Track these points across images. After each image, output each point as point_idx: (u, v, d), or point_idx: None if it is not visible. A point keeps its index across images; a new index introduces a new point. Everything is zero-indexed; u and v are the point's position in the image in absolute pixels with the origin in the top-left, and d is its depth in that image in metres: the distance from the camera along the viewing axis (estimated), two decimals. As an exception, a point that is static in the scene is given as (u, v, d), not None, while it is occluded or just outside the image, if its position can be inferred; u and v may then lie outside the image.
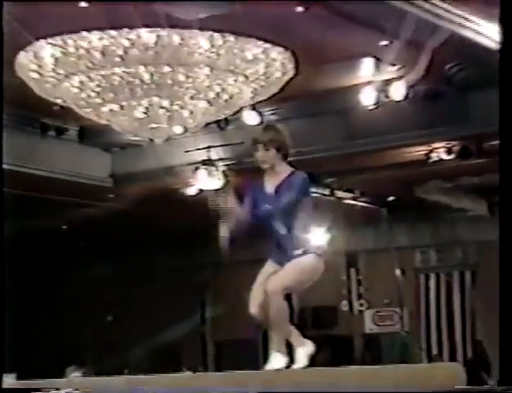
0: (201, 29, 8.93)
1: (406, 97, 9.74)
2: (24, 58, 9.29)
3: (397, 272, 15.58)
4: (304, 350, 4.80)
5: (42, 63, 9.29)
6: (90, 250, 17.04)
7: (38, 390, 3.05)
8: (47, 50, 9.10)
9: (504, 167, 3.92)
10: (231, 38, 9.09)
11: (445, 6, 7.99)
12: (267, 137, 4.62)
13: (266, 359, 16.87)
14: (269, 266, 4.75)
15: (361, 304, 16.90)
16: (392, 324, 16.50)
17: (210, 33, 9.00)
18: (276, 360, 4.65)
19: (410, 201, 14.30)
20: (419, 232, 15.98)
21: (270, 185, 4.65)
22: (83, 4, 8.08)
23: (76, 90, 9.78)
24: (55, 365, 10.26)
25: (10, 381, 9.88)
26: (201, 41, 9.05)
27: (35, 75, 9.56)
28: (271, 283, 4.60)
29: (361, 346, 16.97)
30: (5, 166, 11.20)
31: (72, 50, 9.06)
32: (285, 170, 4.66)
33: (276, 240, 4.69)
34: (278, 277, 4.62)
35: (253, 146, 4.65)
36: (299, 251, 4.60)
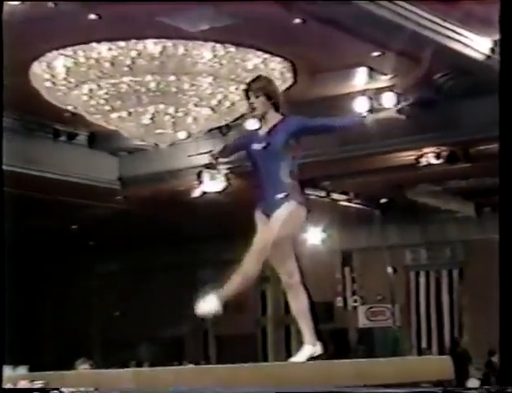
0: (204, 40, 8.95)
1: (397, 105, 9.77)
2: (37, 68, 9.32)
3: (389, 269, 15.62)
4: (310, 350, 4.62)
5: (54, 72, 9.32)
6: (99, 249, 17.05)
7: (39, 390, 3.04)
8: (59, 60, 9.12)
9: (503, 169, 3.93)
10: (233, 48, 9.11)
11: (435, 19, 8.04)
12: (258, 85, 4.54)
13: (265, 353, 16.82)
14: (259, 223, 4.59)
15: (355, 301, 16.92)
16: (385, 319, 16.53)
17: (213, 44, 9.02)
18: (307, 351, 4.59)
19: (401, 202, 14.32)
20: (410, 232, 16.00)
21: (263, 130, 4.56)
22: (92, 16, 8.10)
23: (86, 98, 9.81)
24: (65, 357, 10.25)
25: (21, 372, 9.90)
26: (204, 51, 9.07)
27: (48, 84, 9.59)
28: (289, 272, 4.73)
29: (356, 340, 16.99)
30: (18, 170, 11.29)
31: (82, 60, 9.09)
32: (276, 117, 4.57)
33: (262, 185, 4.57)
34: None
35: (245, 96, 4.57)
36: (282, 195, 4.45)
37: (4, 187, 11.81)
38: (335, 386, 4.03)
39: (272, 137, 4.51)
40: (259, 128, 4.54)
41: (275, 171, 4.52)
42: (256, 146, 4.54)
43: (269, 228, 4.49)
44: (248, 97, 4.54)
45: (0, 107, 4.77)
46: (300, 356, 4.58)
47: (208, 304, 4.40)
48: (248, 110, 4.60)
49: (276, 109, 4.57)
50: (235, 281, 4.47)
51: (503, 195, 3.92)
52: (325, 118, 4.84)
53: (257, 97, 4.49)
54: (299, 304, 4.81)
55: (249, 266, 4.50)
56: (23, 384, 3.15)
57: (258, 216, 4.62)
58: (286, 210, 4.45)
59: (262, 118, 4.55)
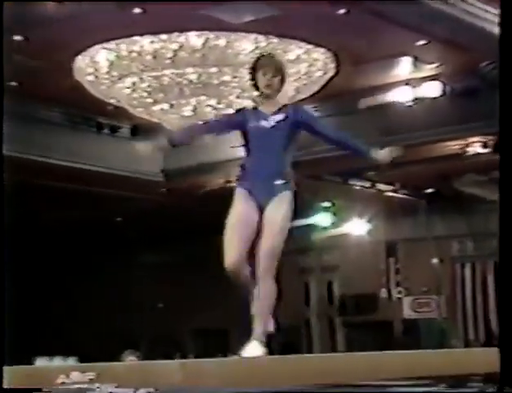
0: (246, 31, 8.98)
1: (443, 94, 9.71)
2: (81, 62, 9.45)
3: (435, 260, 15.52)
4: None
5: (97, 66, 9.45)
6: (143, 241, 17.23)
7: (39, 390, 3.09)
8: (102, 54, 9.24)
9: (504, 164, 3.89)
10: (275, 39, 9.13)
11: (481, 6, 7.95)
12: (276, 65, 4.41)
13: (309, 345, 16.80)
14: (241, 200, 4.30)
15: (400, 292, 16.85)
16: (430, 310, 16.44)
17: (255, 35, 9.05)
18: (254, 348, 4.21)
19: (447, 193, 14.22)
20: (455, 222, 15.87)
21: (266, 110, 4.38)
22: (136, 10, 8.19)
23: (129, 91, 9.93)
24: (111, 349, 10.41)
25: (70, 363, 10.09)
26: (246, 43, 9.10)
27: (91, 78, 9.73)
28: (264, 262, 4.24)
29: (400, 332, 16.93)
30: (63, 163, 11.48)
31: (125, 53, 9.19)
32: (281, 100, 4.46)
33: (257, 166, 4.32)
34: (268, 251, 4.25)
35: (262, 70, 4.36)
36: (282, 182, 4.29)
37: (50, 180, 12.02)
38: (382, 379, 4.02)
39: (283, 118, 4.35)
40: (256, 108, 4.39)
41: (280, 154, 4.35)
42: (264, 124, 4.35)
43: (272, 221, 4.27)
44: (264, 73, 4.36)
45: (0, 106, 4.84)
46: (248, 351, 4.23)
47: (253, 350, 4.18)
48: (263, 86, 4.36)
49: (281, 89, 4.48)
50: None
51: (503, 194, 3.89)
52: (331, 129, 4.57)
53: (274, 76, 4.37)
54: (262, 301, 4.38)
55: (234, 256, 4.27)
56: (75, 375, 3.23)
57: (242, 193, 4.32)
58: (287, 202, 4.32)
59: (266, 97, 4.40)
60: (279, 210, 4.31)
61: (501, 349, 3.83)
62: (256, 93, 4.46)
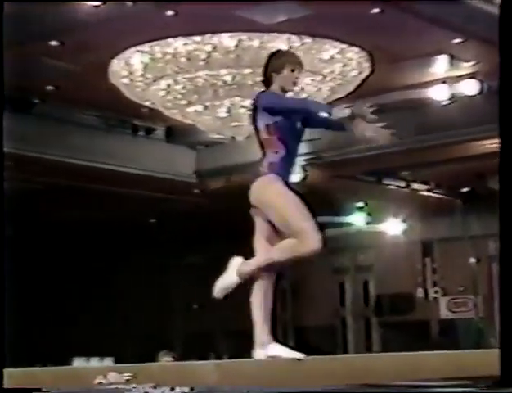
0: (279, 32, 8.98)
1: (480, 92, 9.61)
2: (116, 65, 9.53)
3: (472, 260, 15.39)
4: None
5: (132, 69, 9.51)
6: (177, 242, 17.31)
7: (39, 390, 3.11)
8: (136, 57, 9.30)
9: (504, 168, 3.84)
10: (309, 39, 9.11)
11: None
12: (302, 61, 4.43)
13: (345, 345, 16.74)
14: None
15: (436, 292, 16.73)
16: (467, 310, 16.29)
17: (288, 35, 9.04)
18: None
19: (483, 192, 14.09)
20: (492, 221, 15.66)
21: None
22: (169, 13, 8.23)
23: (163, 93, 9.98)
24: (147, 350, 10.48)
25: (107, 363, 10.18)
26: (280, 43, 9.09)
27: (126, 81, 9.80)
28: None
29: (437, 332, 16.81)
30: (99, 165, 11.59)
31: (159, 56, 9.24)
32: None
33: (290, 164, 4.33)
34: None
35: (291, 66, 4.30)
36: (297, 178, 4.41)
37: (85, 182, 12.12)
38: (412, 379, 4.00)
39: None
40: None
41: (297, 151, 4.40)
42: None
43: None
44: (292, 70, 4.31)
45: (1, 104, 4.86)
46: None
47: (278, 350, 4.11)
48: (290, 84, 4.33)
49: None
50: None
51: (503, 195, 3.84)
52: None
53: (299, 72, 4.36)
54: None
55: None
56: (112, 376, 3.26)
57: (279, 179, 4.30)
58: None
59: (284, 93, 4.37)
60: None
61: (502, 348, 3.78)
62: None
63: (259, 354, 4.17)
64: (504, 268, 3.76)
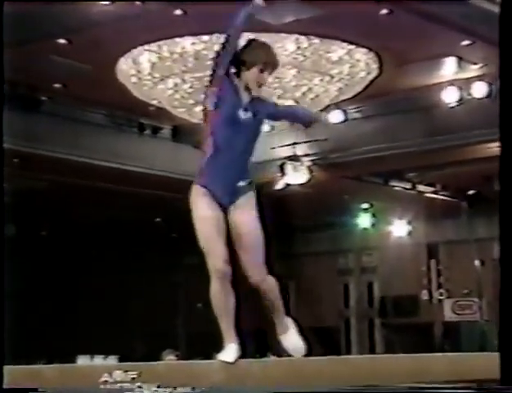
0: (287, 32, 8.98)
1: (488, 95, 9.59)
2: (124, 64, 9.55)
3: (477, 263, 15.36)
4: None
5: (140, 68, 9.53)
6: (182, 241, 17.31)
7: (36, 390, 3.11)
8: (144, 56, 9.32)
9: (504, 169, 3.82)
10: (317, 40, 9.11)
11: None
12: (276, 62, 3.84)
13: (348, 346, 16.68)
14: (204, 201, 3.86)
15: (441, 294, 16.71)
16: (472, 313, 16.26)
17: (296, 36, 9.04)
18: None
19: (489, 194, 14.06)
20: (497, 224, 15.67)
21: (244, 97, 3.76)
22: (178, 12, 8.24)
23: (171, 92, 9.99)
24: (151, 348, 10.50)
25: (112, 361, 10.18)
26: (288, 44, 9.10)
27: (134, 79, 9.82)
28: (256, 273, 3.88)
29: (441, 334, 16.78)
30: (105, 164, 11.60)
31: (167, 55, 9.26)
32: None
33: (220, 163, 3.78)
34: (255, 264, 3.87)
35: (261, 65, 3.74)
36: (246, 182, 3.79)
37: (92, 180, 12.12)
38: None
39: (257, 108, 3.77)
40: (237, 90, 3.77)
41: (247, 151, 3.79)
42: (243, 115, 3.73)
43: (244, 220, 3.81)
44: (262, 70, 3.75)
45: (0, 104, 4.83)
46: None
47: (229, 354, 3.80)
48: (255, 84, 3.75)
49: None
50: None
51: (503, 197, 3.83)
52: (290, 108, 4.23)
53: (270, 73, 3.81)
54: (229, 303, 4.05)
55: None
56: (117, 374, 3.26)
57: (202, 192, 3.87)
58: (253, 204, 3.84)
59: (246, 90, 3.80)
60: (247, 214, 3.83)
61: (502, 348, 3.76)
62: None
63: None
64: (504, 270, 3.76)
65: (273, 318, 4.15)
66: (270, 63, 3.81)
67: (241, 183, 3.80)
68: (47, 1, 7.49)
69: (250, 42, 3.91)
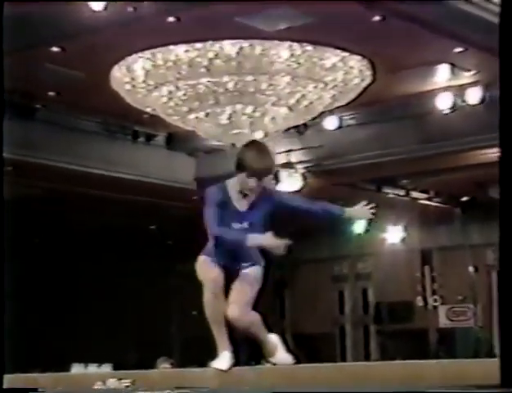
0: (280, 39, 8.99)
1: (481, 101, 9.61)
2: (117, 72, 9.54)
3: (471, 269, 15.37)
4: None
5: (134, 75, 9.52)
6: (176, 249, 17.30)
7: (36, 390, 3.12)
8: (138, 63, 9.31)
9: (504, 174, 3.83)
10: (310, 47, 9.12)
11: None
12: (270, 169, 4.04)
13: (343, 353, 16.70)
14: (211, 269, 4.19)
15: (436, 300, 16.71)
16: (466, 319, 16.28)
17: (290, 43, 9.05)
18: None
19: (483, 200, 14.10)
20: (491, 230, 15.67)
21: (241, 204, 4.10)
22: (171, 19, 8.24)
23: (165, 99, 9.98)
24: (146, 356, 10.48)
25: (106, 369, 10.16)
26: (281, 51, 9.11)
27: (128, 87, 9.81)
28: (233, 311, 4.15)
29: (436, 340, 16.79)
30: (99, 171, 11.59)
31: (161, 62, 9.25)
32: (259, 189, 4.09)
33: (227, 250, 4.14)
34: (238, 304, 4.16)
35: (251, 171, 3.94)
36: (247, 264, 4.16)
37: (85, 187, 12.09)
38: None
39: (253, 214, 4.10)
40: (235, 205, 4.06)
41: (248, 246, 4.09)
42: (238, 226, 4.07)
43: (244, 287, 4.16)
44: (248, 176, 3.94)
45: (1, 107, 4.82)
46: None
47: (223, 362, 4.04)
48: (245, 188, 3.98)
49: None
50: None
51: (503, 204, 3.84)
52: (303, 201, 4.42)
53: (260, 179, 3.97)
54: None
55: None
56: (111, 382, 3.26)
57: (207, 262, 4.22)
58: (256, 272, 4.19)
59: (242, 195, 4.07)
60: (246, 279, 4.16)
61: (502, 349, 3.77)
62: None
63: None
64: (502, 277, 3.76)
65: (259, 344, 4.33)
66: (259, 173, 3.95)
67: (244, 265, 4.16)
68: (45, 0, 7.45)
69: (249, 144, 4.17)
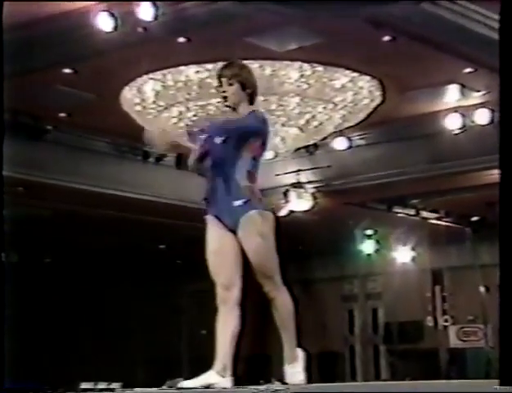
0: (290, 59, 9.01)
1: (491, 122, 9.59)
2: (128, 93, 9.58)
3: (482, 289, 15.29)
4: (214, 378, 4.05)
5: (144, 96, 9.56)
6: (186, 268, 17.27)
7: (36, 390, 3.08)
8: (148, 84, 9.35)
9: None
10: (320, 68, 9.13)
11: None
12: (232, 71, 4.01)
13: (353, 372, 16.59)
14: (213, 229, 4.05)
15: (446, 320, 16.61)
16: (477, 340, 16.15)
17: (300, 63, 9.07)
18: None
19: (493, 220, 14.02)
20: (498, 251, 15.61)
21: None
22: (181, 40, 8.27)
23: (175, 120, 10.01)
24: (155, 375, 10.40)
25: (115, 385, 10.08)
26: (291, 71, 9.12)
27: (138, 108, 9.84)
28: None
29: (446, 361, 16.67)
30: (109, 191, 11.60)
31: (171, 83, 9.28)
32: (248, 110, 4.01)
33: (215, 188, 4.04)
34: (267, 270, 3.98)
35: (217, 83, 4.03)
36: (240, 202, 3.92)
37: (96, 208, 12.06)
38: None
39: (232, 130, 3.96)
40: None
41: (230, 172, 3.96)
42: (216, 140, 3.96)
43: (251, 247, 3.95)
44: (220, 84, 4.01)
45: (0, 111, 4.81)
46: (197, 380, 4.03)
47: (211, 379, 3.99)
48: (220, 99, 4.05)
49: (251, 101, 4.07)
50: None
51: (503, 224, 3.81)
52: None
53: (230, 84, 3.98)
54: (227, 329, 4.12)
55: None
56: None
57: (211, 221, 4.09)
58: (255, 224, 3.94)
59: (233, 109, 4.03)
60: (249, 236, 3.96)
61: (502, 349, 3.73)
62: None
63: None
64: (504, 296, 3.73)
65: (283, 345, 4.25)
66: (230, 75, 4.02)
67: (237, 203, 3.94)
68: (45, 0, 7.43)
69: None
